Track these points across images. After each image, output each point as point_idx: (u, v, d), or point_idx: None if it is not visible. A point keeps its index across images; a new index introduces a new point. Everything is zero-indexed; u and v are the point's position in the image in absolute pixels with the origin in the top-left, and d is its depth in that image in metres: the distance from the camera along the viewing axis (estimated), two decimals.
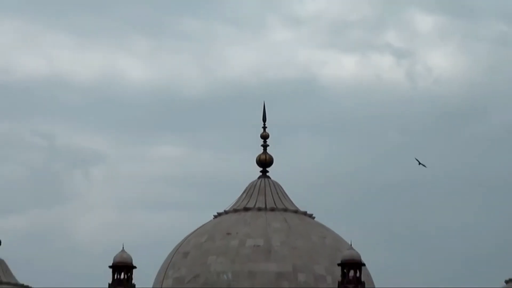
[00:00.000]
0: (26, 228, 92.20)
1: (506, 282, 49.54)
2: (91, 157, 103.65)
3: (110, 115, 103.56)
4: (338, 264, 44.93)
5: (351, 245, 46.01)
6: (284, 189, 52.36)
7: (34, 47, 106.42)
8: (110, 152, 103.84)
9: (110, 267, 44.94)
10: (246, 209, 50.90)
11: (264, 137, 52.46)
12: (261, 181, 52.31)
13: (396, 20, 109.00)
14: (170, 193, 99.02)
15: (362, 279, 44.30)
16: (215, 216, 51.78)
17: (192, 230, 51.28)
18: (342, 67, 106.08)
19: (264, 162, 52.54)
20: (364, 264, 44.83)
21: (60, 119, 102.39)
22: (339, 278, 44.39)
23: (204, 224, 51.55)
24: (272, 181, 52.39)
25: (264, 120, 52.54)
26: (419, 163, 59.97)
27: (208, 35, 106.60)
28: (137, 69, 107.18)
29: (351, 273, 44.20)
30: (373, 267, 49.19)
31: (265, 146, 52.52)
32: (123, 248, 45.20)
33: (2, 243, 51.42)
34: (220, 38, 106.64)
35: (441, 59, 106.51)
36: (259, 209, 50.74)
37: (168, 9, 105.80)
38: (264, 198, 51.27)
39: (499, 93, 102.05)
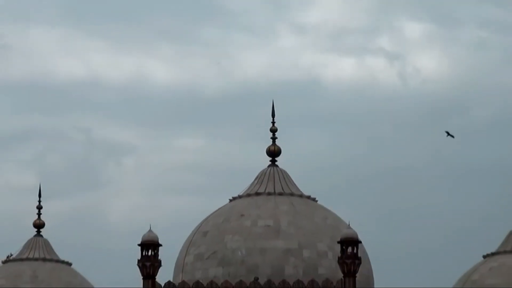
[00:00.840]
0: (67, 211, 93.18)
1: (484, 257, 50.94)
2: (122, 148, 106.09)
3: (139, 112, 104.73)
4: (338, 242, 44.66)
5: (349, 225, 46.23)
6: (291, 176, 52.66)
7: (74, 52, 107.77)
8: (139, 144, 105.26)
9: (138, 245, 44.65)
10: (257, 193, 51.12)
11: (273, 130, 52.61)
12: (270, 169, 52.54)
13: (389, 27, 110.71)
14: (191, 179, 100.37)
15: (359, 255, 44.43)
16: (231, 200, 51.98)
17: (210, 212, 51.55)
18: (341, 69, 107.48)
19: (273, 153, 52.80)
20: (360, 242, 45.08)
21: (96, 115, 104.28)
22: (339, 254, 44.50)
23: (221, 207, 51.69)
24: (280, 169, 52.58)
25: (273, 116, 52.63)
26: (448, 134, 60.38)
27: (225, 42, 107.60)
28: (163, 71, 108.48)
29: (349, 249, 44.18)
30: (369, 245, 49.59)
31: (274, 138, 52.68)
32: (150, 228, 45.10)
33: (46, 225, 53.13)
34: (235, 44, 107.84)
35: (428, 61, 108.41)
36: (269, 194, 50.92)
37: (190, 19, 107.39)
38: (273, 184, 51.49)
39: (477, 91, 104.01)
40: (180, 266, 49.83)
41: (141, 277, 44.51)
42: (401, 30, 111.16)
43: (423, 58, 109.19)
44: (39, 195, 53.57)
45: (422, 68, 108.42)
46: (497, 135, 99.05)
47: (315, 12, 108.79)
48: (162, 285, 44.87)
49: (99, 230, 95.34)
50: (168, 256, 47.82)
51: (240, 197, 51.95)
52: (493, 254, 51.01)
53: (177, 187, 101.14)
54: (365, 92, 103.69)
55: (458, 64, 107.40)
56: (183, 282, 45.60)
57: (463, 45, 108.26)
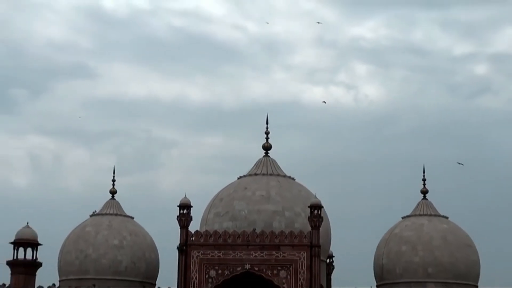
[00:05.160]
0: (132, 184, 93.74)
1: (402, 218, 50.72)
2: (170, 143, 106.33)
3: (181, 119, 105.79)
4: (308, 207, 45.00)
5: (316, 196, 46.51)
6: (278, 163, 52.64)
7: (140, 79, 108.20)
8: (181, 140, 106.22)
9: (178, 206, 44.86)
10: (256, 174, 51.30)
11: (267, 133, 52.58)
12: (264, 159, 52.53)
13: (345, 67, 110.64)
14: (213, 164, 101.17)
15: (322, 215, 44.85)
16: (238, 178, 51.92)
17: (225, 186, 51.59)
18: (314, 94, 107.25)
19: (266, 148, 52.78)
20: (322, 207, 45.45)
21: (154, 121, 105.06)
22: (309, 215, 44.85)
23: (232, 182, 51.56)
24: (271, 158, 52.57)
25: (267, 123, 52.54)
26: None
27: (238, 75, 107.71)
28: (197, 93, 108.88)
29: (316, 212, 44.53)
30: (328, 209, 49.51)
31: (267, 138, 52.66)
32: (185, 195, 45.49)
33: (118, 192, 53.06)
34: (244, 76, 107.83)
35: (372, 90, 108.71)
36: (263, 174, 51.11)
37: (214, 59, 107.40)
38: (266, 168, 51.62)
39: (403, 108, 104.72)
40: (204, 220, 49.86)
41: (179, 227, 45.06)
42: (354, 70, 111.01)
43: (369, 88, 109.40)
44: (114, 173, 53.63)
45: (368, 94, 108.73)
46: (414, 136, 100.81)
47: (297, 57, 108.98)
48: (192, 232, 45.25)
49: (153, 196, 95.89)
50: (197, 215, 47.86)
51: (244, 176, 51.91)
52: (408, 216, 50.99)
53: (204, 169, 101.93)
54: (330, 110, 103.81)
55: (390, 91, 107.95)
56: (206, 231, 45.72)
57: (393, 80, 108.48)
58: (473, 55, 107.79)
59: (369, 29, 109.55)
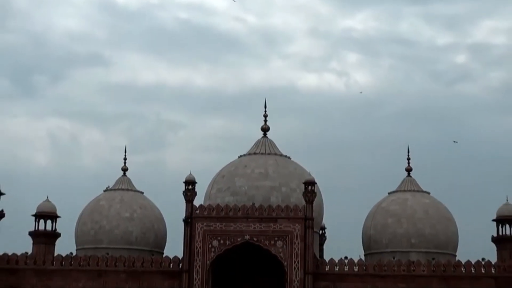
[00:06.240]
0: (142, 162, 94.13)
1: (389, 193, 50.57)
2: (178, 125, 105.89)
3: (188, 103, 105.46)
4: (303, 183, 44.74)
5: (310, 173, 46.59)
6: (275, 143, 52.44)
7: (149, 67, 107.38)
8: (187, 122, 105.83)
9: (183, 182, 44.63)
10: (255, 153, 51.13)
11: (265, 116, 52.42)
12: (263, 139, 52.29)
13: (337, 56, 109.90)
14: (217, 144, 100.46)
15: (315, 191, 44.64)
16: (239, 157, 51.78)
17: (226, 164, 51.38)
18: (309, 80, 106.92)
19: (265, 129, 52.58)
20: (316, 183, 45.18)
21: (162, 104, 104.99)
22: (303, 190, 44.61)
23: (233, 161, 51.29)
24: (268, 139, 52.33)
25: (265, 107, 52.36)
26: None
27: (239, 63, 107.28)
28: (202, 79, 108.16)
29: (309, 188, 44.27)
30: (321, 185, 49.19)
31: (265, 120, 52.50)
32: (190, 172, 45.09)
33: (129, 169, 52.93)
34: (245, 65, 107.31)
35: (361, 76, 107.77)
36: (262, 153, 50.91)
37: (217, 48, 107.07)
38: (264, 148, 51.48)
39: (389, 93, 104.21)
40: (207, 195, 49.72)
41: (185, 201, 44.83)
42: (345, 58, 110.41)
43: (359, 75, 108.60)
44: (125, 152, 53.50)
45: (358, 80, 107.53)
46: (400, 119, 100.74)
47: (293, 47, 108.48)
48: (197, 206, 45.00)
49: (161, 173, 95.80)
50: (200, 190, 47.68)
51: (244, 155, 51.73)
52: (393, 192, 50.93)
53: (209, 148, 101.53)
54: (324, 95, 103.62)
55: (378, 78, 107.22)
56: (209, 205, 45.37)
57: (381, 67, 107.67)
58: (454, 45, 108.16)
59: (359, 21, 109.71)
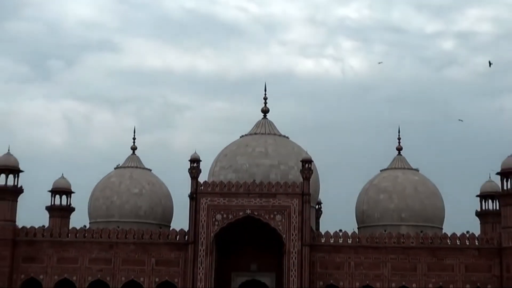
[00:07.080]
0: (150, 141, 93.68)
1: (381, 170, 50.47)
2: (183, 107, 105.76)
3: (193, 87, 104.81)
4: (300, 161, 44.62)
5: (306, 152, 46.08)
6: (274, 124, 52.08)
7: (157, 52, 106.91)
8: (193, 104, 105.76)
9: (189, 160, 43.98)
10: (255, 133, 50.90)
11: (265, 98, 52.01)
12: (263, 120, 51.95)
13: (333, 43, 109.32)
14: (220, 125, 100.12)
15: (311, 168, 44.36)
16: (241, 137, 51.53)
17: (229, 143, 51.04)
18: (306, 66, 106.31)
19: (265, 111, 52.15)
20: (312, 161, 44.87)
21: (169, 88, 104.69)
22: (301, 168, 44.44)
23: (235, 140, 51.00)
24: (268, 120, 51.99)
25: (265, 90, 51.85)
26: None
27: (241, 48, 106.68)
28: (206, 64, 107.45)
29: (306, 165, 44.10)
30: (317, 163, 48.57)
31: (265, 103, 52.09)
32: (195, 151, 44.61)
33: (138, 148, 52.70)
34: (246, 50, 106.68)
35: (356, 62, 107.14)
36: (262, 134, 50.63)
37: (220, 35, 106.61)
38: (264, 128, 51.22)
39: (382, 78, 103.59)
40: (211, 172, 49.52)
41: (190, 178, 44.50)
42: (341, 45, 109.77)
43: (354, 61, 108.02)
44: (134, 132, 53.48)
45: (353, 66, 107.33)
46: (392, 102, 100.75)
47: (291, 34, 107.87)
48: (201, 182, 44.66)
49: (168, 152, 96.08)
50: (205, 168, 47.67)
51: (245, 135, 51.57)
52: (385, 169, 50.77)
53: (212, 129, 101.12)
54: (321, 79, 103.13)
55: (372, 64, 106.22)
56: (213, 181, 45.12)
57: (374, 53, 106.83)
58: (442, 32, 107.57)
59: (354, 10, 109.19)
